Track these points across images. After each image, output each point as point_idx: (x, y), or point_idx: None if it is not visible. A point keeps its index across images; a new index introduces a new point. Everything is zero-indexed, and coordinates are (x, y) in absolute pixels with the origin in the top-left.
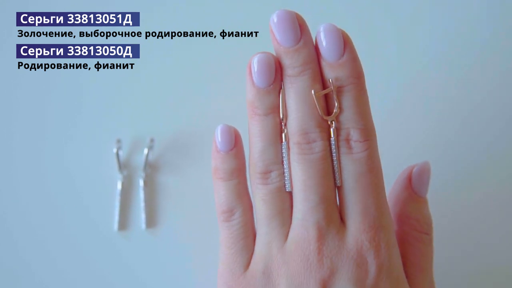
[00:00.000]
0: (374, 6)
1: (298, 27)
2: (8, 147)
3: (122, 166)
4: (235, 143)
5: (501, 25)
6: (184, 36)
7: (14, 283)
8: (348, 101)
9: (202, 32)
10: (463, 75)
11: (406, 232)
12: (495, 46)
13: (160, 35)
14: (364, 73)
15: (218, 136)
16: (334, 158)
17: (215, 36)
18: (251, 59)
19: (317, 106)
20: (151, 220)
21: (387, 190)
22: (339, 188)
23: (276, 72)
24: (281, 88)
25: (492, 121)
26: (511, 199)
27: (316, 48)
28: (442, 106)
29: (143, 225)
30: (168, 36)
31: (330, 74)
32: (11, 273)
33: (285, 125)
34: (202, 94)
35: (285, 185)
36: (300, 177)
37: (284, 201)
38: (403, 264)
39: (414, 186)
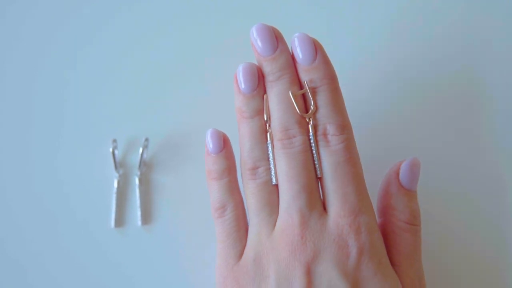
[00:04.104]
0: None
1: (275, 38)
2: (5, 148)
3: (118, 165)
4: (224, 145)
5: (491, 25)
6: (179, 39)
7: (16, 277)
8: (322, 99)
9: (197, 36)
10: (452, 74)
11: (392, 223)
12: (481, 45)
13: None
14: (359, 75)
15: (209, 140)
16: (314, 152)
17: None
18: (236, 69)
19: (295, 105)
20: (147, 217)
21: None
22: (320, 179)
23: (259, 79)
24: (264, 93)
25: (480, 118)
26: (498, 194)
27: (292, 55)
28: (433, 104)
29: (139, 222)
30: (163, 40)
31: (305, 77)
32: (12, 268)
33: (269, 125)
34: (194, 96)
35: (271, 179)
36: (283, 169)
37: (271, 193)
38: (390, 253)
39: (402, 180)
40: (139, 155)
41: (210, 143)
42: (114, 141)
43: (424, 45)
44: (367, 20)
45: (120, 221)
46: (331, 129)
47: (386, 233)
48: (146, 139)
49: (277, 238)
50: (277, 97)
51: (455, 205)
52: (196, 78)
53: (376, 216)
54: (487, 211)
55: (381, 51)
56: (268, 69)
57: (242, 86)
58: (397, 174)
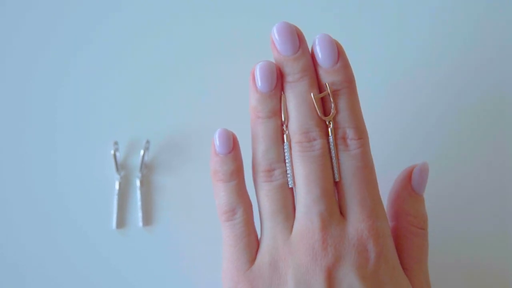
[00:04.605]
0: (365, 15)
1: (297, 38)
2: (6, 151)
3: (120, 167)
4: (233, 146)
5: (487, 24)
6: (180, 40)
7: (18, 278)
8: (343, 103)
9: (199, 38)
10: (453, 76)
11: (404, 227)
12: (482, 45)
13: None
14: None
15: (217, 139)
16: (333, 155)
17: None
18: (254, 67)
19: (316, 108)
20: (148, 218)
21: (386, 188)
22: (338, 183)
23: (277, 79)
24: (281, 93)
25: (481, 122)
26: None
27: (312, 56)
28: (434, 107)
29: (140, 223)
30: (163, 42)
31: (326, 79)
32: (15, 268)
33: (287, 126)
34: (195, 98)
35: (287, 182)
36: (302, 172)
37: (287, 196)
38: (401, 257)
39: (414, 185)
40: (140, 157)
41: (218, 143)
42: (116, 143)
43: (435, 48)
44: (374, 22)
45: (121, 222)
46: (350, 133)
47: (397, 237)
48: (147, 141)
49: (296, 243)
50: (297, 99)
51: (459, 208)
52: (198, 80)
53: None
54: (491, 214)
55: (390, 54)
56: (289, 69)
57: (260, 84)
58: (410, 179)
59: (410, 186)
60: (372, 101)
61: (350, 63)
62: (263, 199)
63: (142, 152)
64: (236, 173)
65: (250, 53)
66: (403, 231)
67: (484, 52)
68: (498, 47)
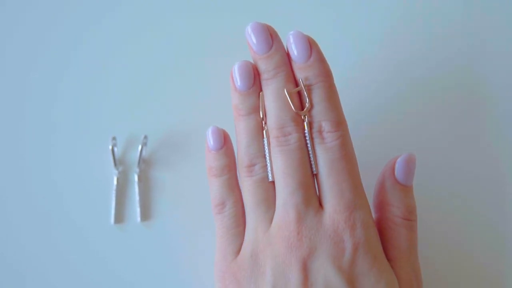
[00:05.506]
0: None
1: (270, 36)
2: (3, 146)
3: (118, 162)
4: (224, 142)
5: (482, 24)
6: (178, 36)
7: (16, 272)
8: (318, 97)
9: (196, 34)
10: (451, 73)
11: (388, 218)
12: (478, 45)
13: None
14: (358, 74)
15: (209, 137)
16: (309, 148)
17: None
18: (232, 67)
19: (290, 103)
20: (146, 214)
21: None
22: (316, 176)
23: (255, 77)
24: (260, 91)
25: (479, 117)
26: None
27: (287, 53)
28: (433, 104)
29: (138, 218)
30: (162, 38)
31: (300, 74)
32: (12, 263)
33: (265, 123)
34: (193, 94)
35: (267, 176)
36: (279, 166)
37: (267, 190)
38: (386, 248)
39: (397, 175)
40: (138, 153)
41: (210, 140)
42: (114, 138)
43: (423, 45)
44: (365, 20)
45: (119, 217)
46: (326, 126)
47: (382, 228)
48: (145, 137)
49: (274, 234)
50: (273, 95)
51: (455, 204)
52: (195, 75)
53: (372, 211)
54: (486, 210)
55: (380, 51)
56: (264, 67)
57: (238, 83)
58: (393, 169)
59: (393, 177)
60: (368, 97)
61: (347, 61)
62: (246, 193)
63: (140, 147)
64: (227, 168)
65: (248, 51)
66: (386, 222)
67: (471, 47)
68: (494, 44)
